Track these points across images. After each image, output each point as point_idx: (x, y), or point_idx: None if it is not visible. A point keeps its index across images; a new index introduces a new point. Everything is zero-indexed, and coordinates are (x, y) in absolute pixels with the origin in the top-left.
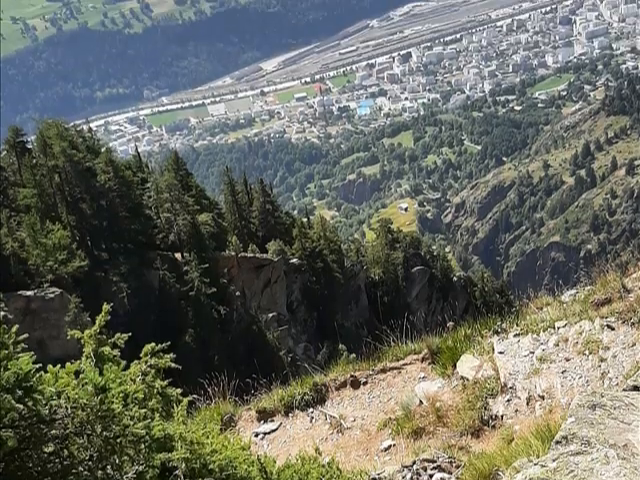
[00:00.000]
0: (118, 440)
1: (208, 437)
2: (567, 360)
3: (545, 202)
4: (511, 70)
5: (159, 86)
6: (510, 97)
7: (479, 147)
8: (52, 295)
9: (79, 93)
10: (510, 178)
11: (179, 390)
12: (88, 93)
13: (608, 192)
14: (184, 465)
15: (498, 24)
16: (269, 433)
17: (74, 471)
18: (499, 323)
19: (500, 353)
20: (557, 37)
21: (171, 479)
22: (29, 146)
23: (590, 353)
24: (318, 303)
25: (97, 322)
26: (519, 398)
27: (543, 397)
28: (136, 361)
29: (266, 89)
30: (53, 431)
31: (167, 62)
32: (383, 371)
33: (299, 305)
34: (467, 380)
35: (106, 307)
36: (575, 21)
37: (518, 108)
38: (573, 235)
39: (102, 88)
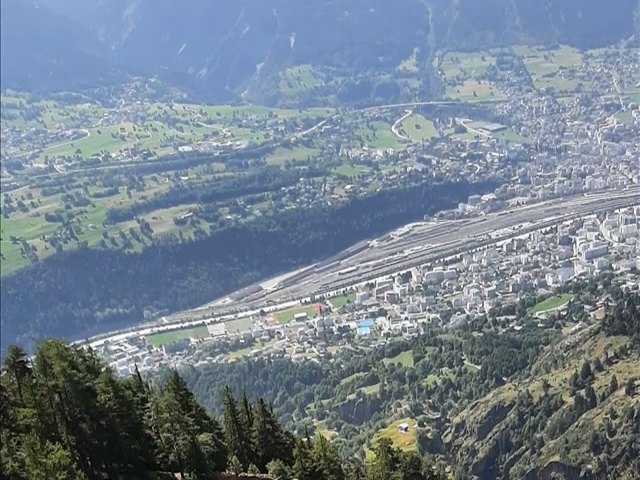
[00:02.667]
0: None
1: None
2: None
3: (545, 422)
4: (511, 290)
5: (159, 306)
6: (510, 317)
7: (479, 367)
8: None
9: (79, 313)
10: (510, 398)
11: None
12: (88, 313)
13: (608, 412)
14: None
15: (498, 244)
16: None
17: None
18: None
19: None
20: (557, 257)
21: None
22: (29, 366)
23: None
24: None
25: None
26: None
27: None
28: None
29: (266, 309)
30: None
31: (167, 282)
32: None
33: None
34: None
35: None
36: (575, 241)
37: (518, 328)
38: (573, 455)
39: (102, 308)
